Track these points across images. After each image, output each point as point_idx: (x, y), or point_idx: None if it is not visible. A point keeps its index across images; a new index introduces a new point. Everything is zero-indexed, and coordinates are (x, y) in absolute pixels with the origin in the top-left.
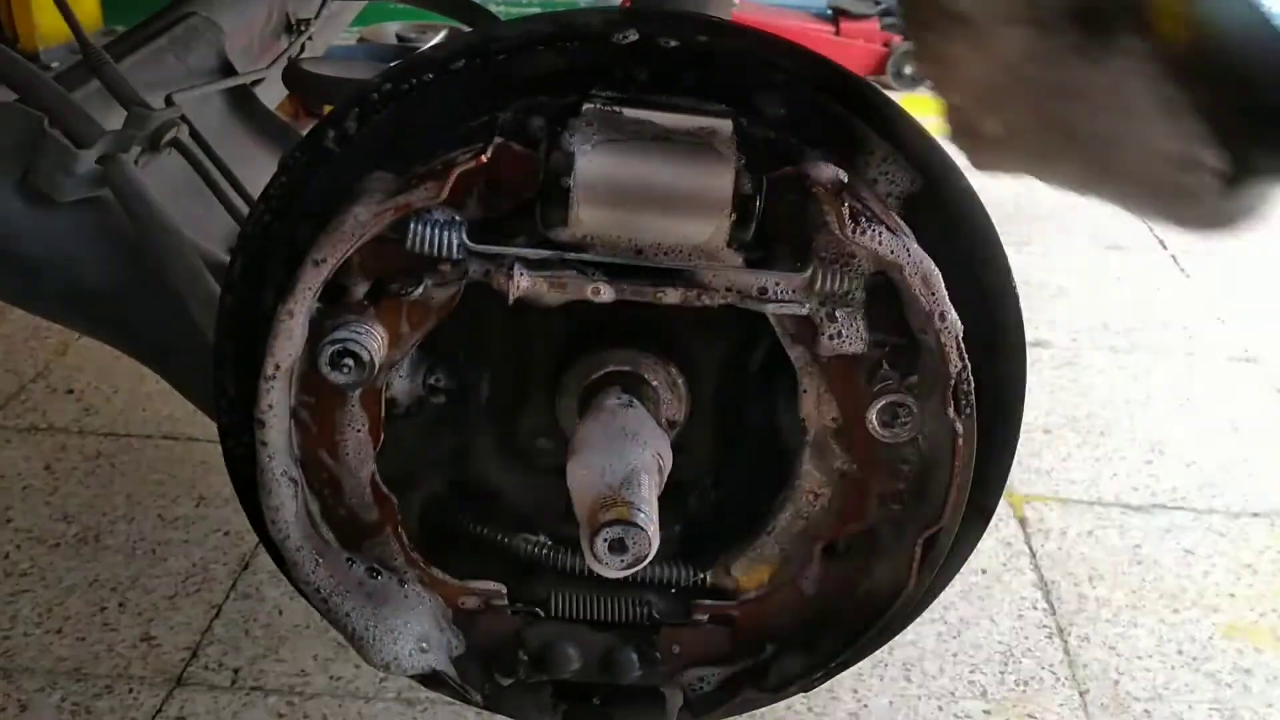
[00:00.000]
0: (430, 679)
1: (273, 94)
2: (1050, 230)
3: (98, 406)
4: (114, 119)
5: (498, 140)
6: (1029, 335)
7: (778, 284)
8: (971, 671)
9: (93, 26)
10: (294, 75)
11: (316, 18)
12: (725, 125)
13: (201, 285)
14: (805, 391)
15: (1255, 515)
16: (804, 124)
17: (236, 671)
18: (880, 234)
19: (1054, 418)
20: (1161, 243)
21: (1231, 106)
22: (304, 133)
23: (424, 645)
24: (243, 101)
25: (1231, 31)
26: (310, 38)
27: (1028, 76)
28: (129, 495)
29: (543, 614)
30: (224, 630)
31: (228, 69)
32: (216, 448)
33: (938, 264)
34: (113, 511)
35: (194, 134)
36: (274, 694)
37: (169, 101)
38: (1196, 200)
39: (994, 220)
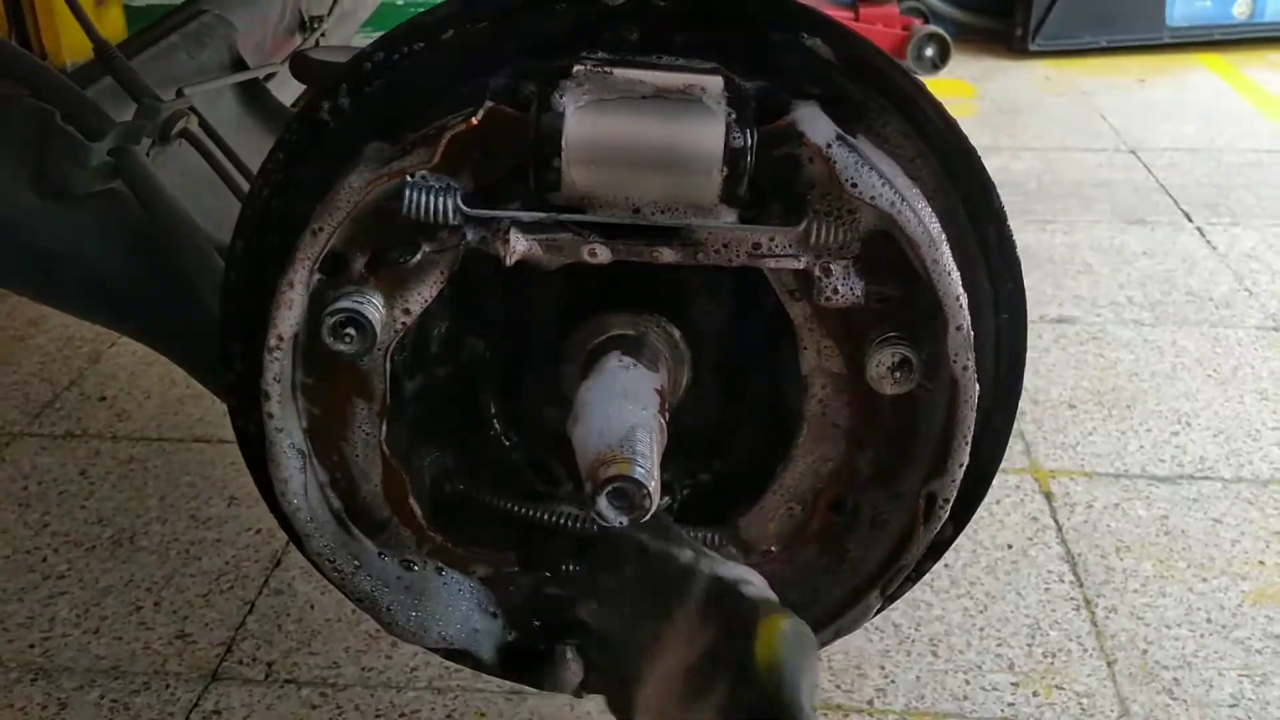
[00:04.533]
0: (450, 651)
1: (288, 92)
2: (1073, 207)
3: (130, 412)
4: (126, 114)
5: (489, 104)
6: (1053, 312)
7: (772, 239)
8: (999, 645)
9: (116, 38)
10: (300, 64)
11: (329, 14)
12: (715, 81)
13: (213, 272)
14: (805, 348)
15: None
16: (798, 79)
17: (270, 665)
18: (876, 185)
19: (1079, 392)
20: (1187, 215)
21: None
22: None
23: (474, 627)
24: (255, 96)
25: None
26: (324, 35)
27: None
28: (162, 497)
29: (554, 580)
30: (257, 626)
31: (240, 66)
32: None
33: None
34: (146, 514)
35: (204, 125)
36: (307, 686)
37: (179, 94)
38: None
39: (1017, 199)
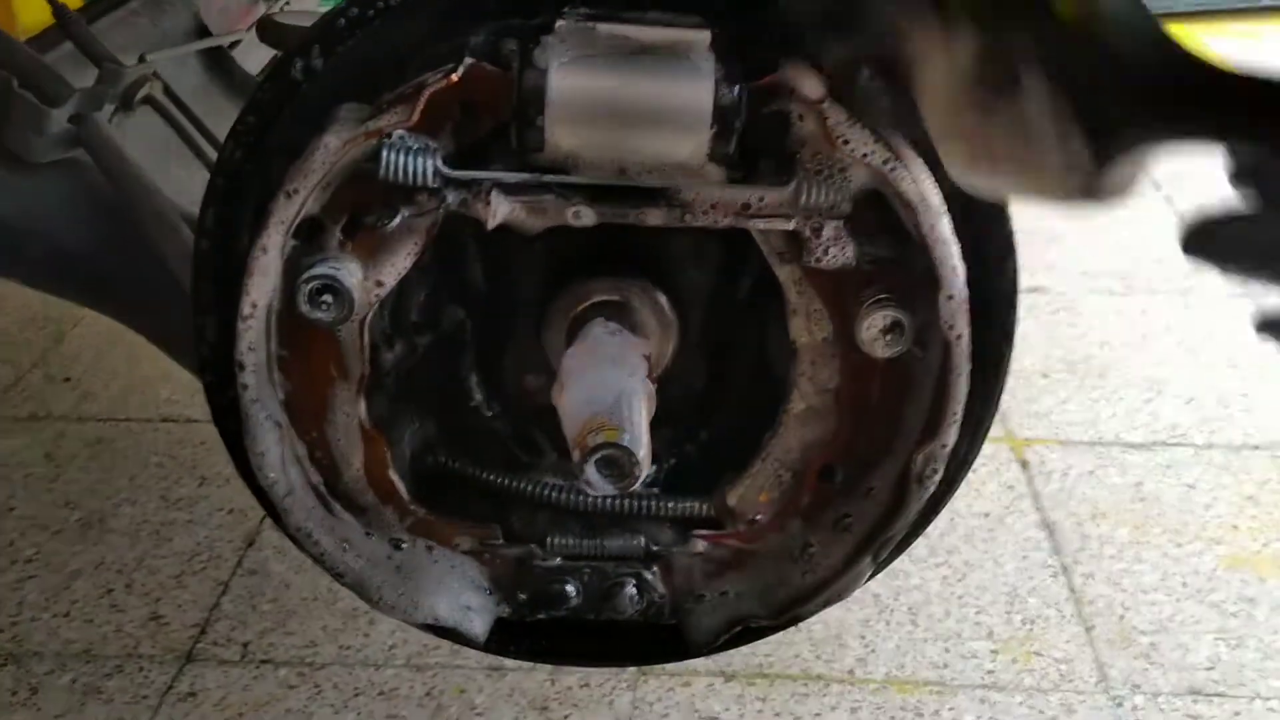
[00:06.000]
0: (434, 626)
1: (254, 61)
2: None
3: (95, 393)
4: (86, 81)
5: (469, 60)
6: (1024, 281)
7: (761, 199)
8: (977, 613)
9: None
10: (267, 27)
11: None
12: (703, 37)
13: (180, 241)
14: (794, 312)
15: (1255, 448)
16: (788, 35)
17: (246, 645)
18: (868, 143)
19: (1051, 361)
20: (1155, 184)
21: (1101, 90)
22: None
23: (466, 604)
24: (220, 64)
25: (1113, 15)
26: (288, 3)
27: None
28: (131, 478)
29: (539, 552)
30: (232, 606)
31: (204, 33)
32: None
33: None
34: (115, 495)
35: (168, 92)
36: (284, 666)
37: (142, 60)
38: (1073, 187)
39: None
